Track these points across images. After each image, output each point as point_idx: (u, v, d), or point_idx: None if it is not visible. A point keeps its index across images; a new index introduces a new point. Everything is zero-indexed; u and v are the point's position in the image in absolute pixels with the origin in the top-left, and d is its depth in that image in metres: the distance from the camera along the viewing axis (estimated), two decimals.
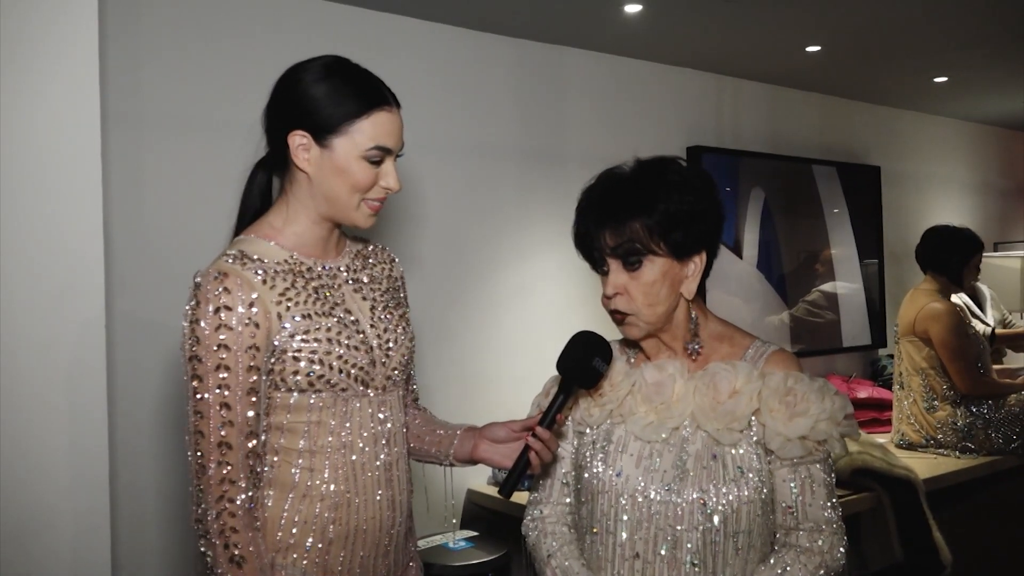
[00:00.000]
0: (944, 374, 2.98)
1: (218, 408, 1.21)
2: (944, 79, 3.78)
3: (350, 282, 1.38)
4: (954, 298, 3.15)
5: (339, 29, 2.52)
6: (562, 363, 1.31)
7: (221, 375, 1.21)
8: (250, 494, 1.23)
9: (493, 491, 2.68)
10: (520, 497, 2.48)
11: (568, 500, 1.40)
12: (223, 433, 1.21)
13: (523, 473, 1.28)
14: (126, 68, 2.18)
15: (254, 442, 1.24)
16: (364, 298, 1.38)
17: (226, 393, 1.21)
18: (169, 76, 2.25)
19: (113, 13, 2.13)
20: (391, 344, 1.36)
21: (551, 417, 1.29)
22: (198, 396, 1.22)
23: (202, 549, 1.23)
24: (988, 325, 3.55)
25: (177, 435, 2.23)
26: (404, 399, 1.44)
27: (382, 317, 1.37)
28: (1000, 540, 2.95)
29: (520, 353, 2.88)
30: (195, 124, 2.29)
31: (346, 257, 1.40)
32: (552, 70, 3.02)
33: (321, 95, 1.28)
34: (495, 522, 2.66)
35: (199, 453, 1.22)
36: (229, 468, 1.21)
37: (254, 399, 1.23)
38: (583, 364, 1.30)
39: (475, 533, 2.60)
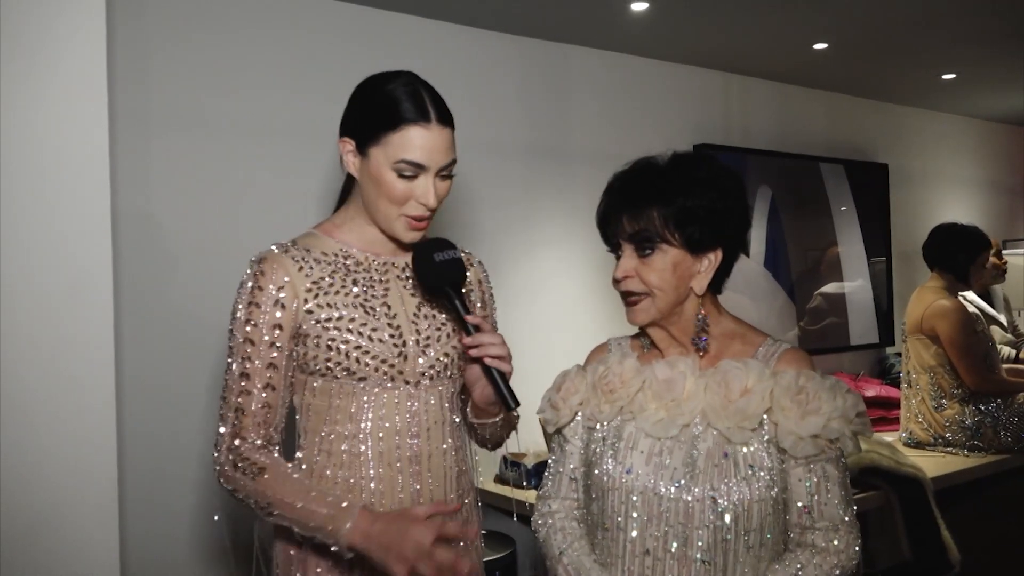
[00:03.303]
0: (952, 372, 2.97)
1: (239, 377, 1.33)
2: (952, 76, 3.77)
3: (402, 278, 1.43)
4: (969, 303, 3.14)
5: (346, 27, 2.53)
6: (428, 281, 1.38)
7: (246, 348, 1.33)
8: (258, 447, 1.33)
9: (500, 489, 2.68)
10: (528, 495, 2.49)
11: (576, 496, 1.41)
12: (240, 400, 1.33)
13: (503, 382, 1.34)
14: (134, 66, 2.19)
15: (267, 416, 1.34)
16: (413, 295, 1.42)
17: (247, 365, 1.33)
18: (177, 74, 2.26)
19: (120, 10, 2.13)
20: (431, 340, 1.40)
21: (462, 325, 1.36)
22: (228, 365, 1.35)
23: (229, 487, 1.33)
24: (1004, 328, 3.54)
25: (186, 436, 2.24)
26: (457, 395, 1.47)
27: (428, 313, 1.42)
28: (1009, 538, 2.94)
29: (528, 350, 2.87)
30: (204, 122, 2.29)
31: (406, 256, 1.44)
32: (558, 68, 3.02)
33: (371, 105, 1.35)
34: (502, 520, 2.67)
35: (222, 415, 1.34)
36: (242, 429, 1.33)
37: (271, 375, 1.33)
38: (432, 267, 1.36)
39: (482, 531, 2.60)
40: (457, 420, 1.45)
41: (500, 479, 2.75)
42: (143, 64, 2.21)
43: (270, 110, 2.40)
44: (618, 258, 1.34)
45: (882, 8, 2.79)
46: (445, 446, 1.41)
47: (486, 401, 1.40)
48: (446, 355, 1.41)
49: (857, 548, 1.26)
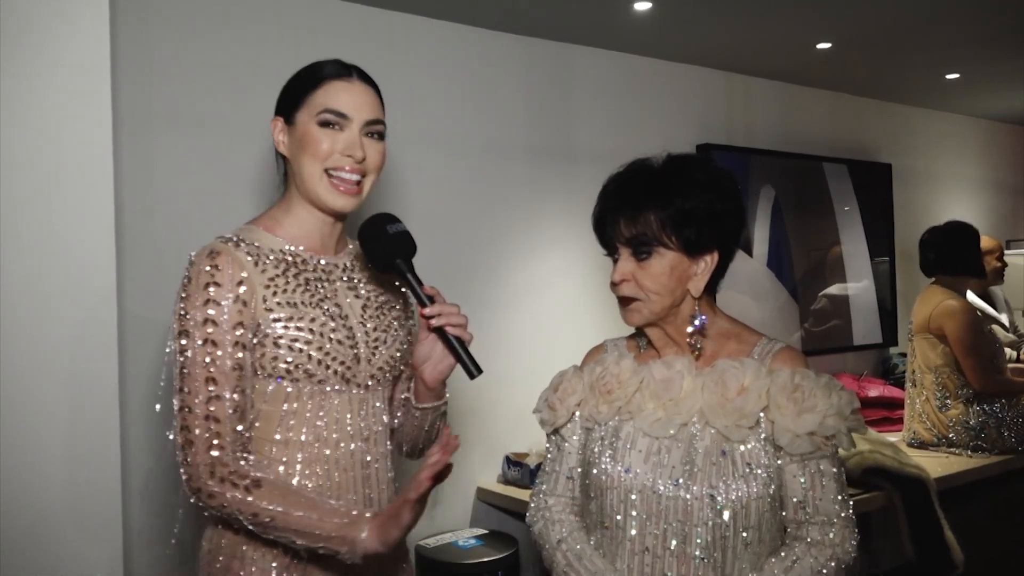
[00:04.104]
0: (958, 372, 2.97)
1: (204, 382, 1.23)
2: (956, 75, 3.76)
3: (345, 279, 1.39)
4: (971, 300, 3.14)
5: (349, 27, 2.54)
6: (380, 255, 1.33)
7: (208, 350, 1.23)
8: (239, 457, 1.24)
9: (503, 489, 2.69)
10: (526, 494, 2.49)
11: (572, 494, 1.42)
12: (212, 408, 1.23)
13: (464, 350, 1.32)
14: (137, 64, 2.19)
15: (240, 427, 1.25)
16: (357, 296, 1.39)
17: (212, 369, 1.23)
18: (181, 74, 2.26)
19: (124, 11, 2.14)
20: (379, 342, 1.37)
21: (420, 294, 1.33)
22: (185, 371, 1.24)
23: (212, 503, 1.22)
24: (1006, 328, 3.53)
25: None
26: (393, 399, 1.45)
27: (374, 315, 1.39)
28: (1012, 539, 2.94)
29: (529, 351, 2.88)
30: (207, 122, 2.30)
31: (346, 256, 1.42)
32: (561, 68, 3.03)
33: (295, 80, 1.38)
34: (504, 520, 2.67)
35: (185, 427, 1.23)
36: (218, 437, 1.23)
37: (239, 376, 1.25)
38: (386, 238, 1.32)
39: (484, 531, 2.61)
40: (387, 426, 1.42)
41: (503, 479, 2.75)
42: (147, 63, 2.21)
43: (269, 110, 2.39)
44: (615, 261, 1.35)
45: (885, 8, 2.79)
46: (384, 451, 1.38)
47: (438, 379, 1.39)
48: (392, 358, 1.39)
49: (854, 542, 1.28)
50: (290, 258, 1.34)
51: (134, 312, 2.15)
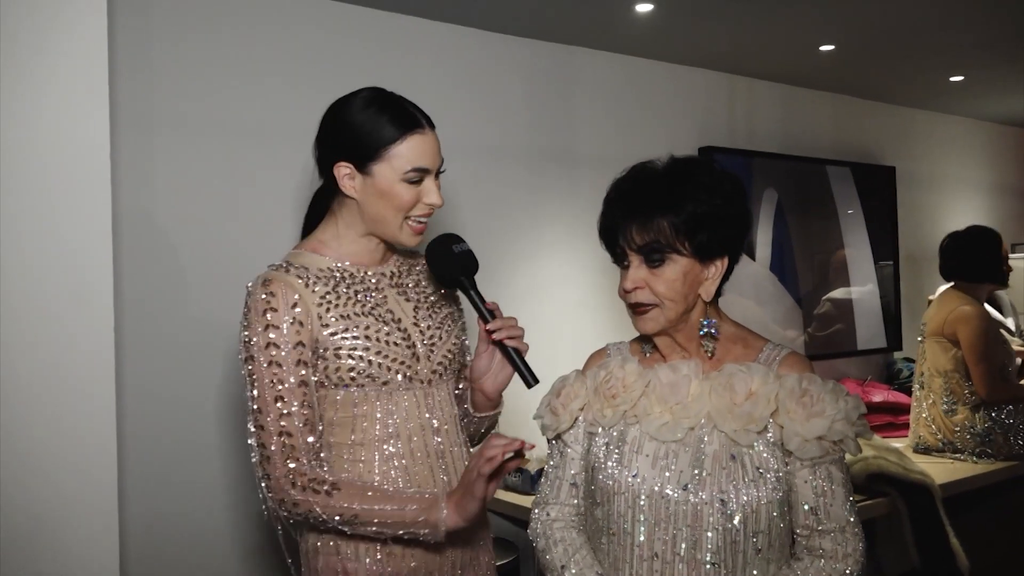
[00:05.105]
0: (967, 377, 2.97)
1: (273, 401, 1.34)
2: (960, 78, 3.77)
3: (394, 286, 1.50)
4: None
5: (350, 30, 2.54)
6: (448, 273, 1.47)
7: (273, 371, 1.34)
8: (314, 465, 1.36)
9: (503, 495, 2.69)
10: (529, 500, 2.49)
11: (576, 501, 1.41)
12: (283, 424, 1.34)
13: (522, 359, 1.45)
14: (136, 64, 2.19)
15: (311, 438, 1.35)
16: (408, 299, 1.50)
17: (280, 388, 1.34)
18: (180, 73, 2.26)
19: (122, 10, 2.13)
20: (435, 339, 1.48)
21: (483, 310, 1.45)
22: (255, 393, 1.36)
23: (298, 511, 1.33)
24: (1012, 333, 3.53)
25: (188, 438, 2.25)
26: (456, 392, 1.55)
27: (426, 315, 1.50)
28: (1018, 546, 2.94)
29: (532, 354, 2.87)
30: (207, 126, 2.30)
31: (391, 264, 1.52)
32: (563, 70, 3.03)
33: (359, 126, 1.41)
34: (504, 527, 2.67)
35: (262, 444, 1.35)
36: (293, 451, 1.34)
37: (305, 391, 1.36)
38: (452, 257, 1.45)
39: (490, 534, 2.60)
40: (457, 417, 1.53)
41: (503, 485, 2.75)
42: (145, 63, 2.21)
43: (274, 110, 2.40)
44: (623, 268, 1.35)
45: (889, 10, 2.79)
46: (457, 439, 1.49)
47: (498, 389, 1.51)
48: (449, 351, 1.51)
49: (862, 549, 1.29)
50: (339, 274, 1.44)
51: (132, 314, 2.15)
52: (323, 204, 1.51)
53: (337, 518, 1.33)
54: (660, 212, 1.29)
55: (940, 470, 2.81)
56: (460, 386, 1.58)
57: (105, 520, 1.59)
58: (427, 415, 1.44)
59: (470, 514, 1.32)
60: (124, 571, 1.66)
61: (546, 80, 2.99)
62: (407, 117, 1.42)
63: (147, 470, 2.19)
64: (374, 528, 1.34)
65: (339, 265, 1.45)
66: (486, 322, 1.45)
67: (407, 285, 1.52)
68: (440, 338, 1.49)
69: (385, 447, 1.40)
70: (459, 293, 1.57)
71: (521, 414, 2.56)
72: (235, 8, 2.35)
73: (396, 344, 1.42)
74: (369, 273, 1.48)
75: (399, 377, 1.41)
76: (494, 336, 1.44)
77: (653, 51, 3.18)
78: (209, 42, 2.31)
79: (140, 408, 2.17)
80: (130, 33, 2.18)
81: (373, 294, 1.46)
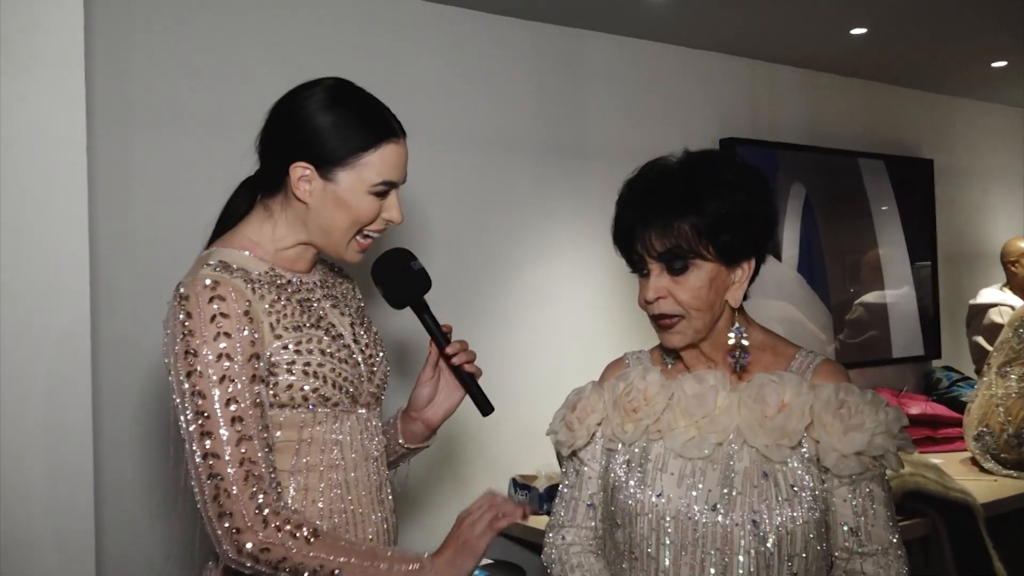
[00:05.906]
0: None
1: (229, 423, 1.19)
2: (1003, 63, 3.76)
3: (327, 297, 1.41)
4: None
5: (342, 13, 2.54)
6: (403, 294, 1.41)
7: (227, 387, 1.20)
8: (287, 507, 1.25)
9: None
10: (538, 521, 2.45)
11: (593, 524, 1.40)
12: (243, 450, 1.19)
13: (477, 387, 1.42)
14: (113, 58, 2.20)
15: (272, 458, 1.24)
16: (342, 313, 1.42)
17: (233, 407, 1.20)
18: (158, 67, 2.28)
19: (99, 4, 2.15)
20: (374, 358, 1.42)
21: (439, 335, 1.41)
22: (204, 414, 1.20)
23: (274, 558, 1.17)
24: None
25: (165, 441, 2.23)
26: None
27: (361, 333, 1.42)
28: None
29: (538, 363, 2.88)
30: (186, 119, 2.31)
31: (317, 272, 1.44)
32: (572, 56, 3.03)
33: (326, 127, 1.30)
34: (511, 549, 2.66)
35: (214, 475, 1.18)
36: (260, 482, 1.19)
37: (261, 413, 1.24)
38: (409, 276, 1.41)
39: (490, 561, 2.59)
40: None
41: None
42: (123, 57, 2.22)
43: (256, 104, 2.37)
44: (642, 276, 1.32)
45: None
46: (387, 472, 1.43)
47: (443, 419, 1.48)
48: (385, 374, 1.45)
49: (907, 573, 1.28)
50: (279, 280, 1.34)
51: (109, 316, 2.16)
52: (252, 198, 1.40)
53: (316, 570, 1.17)
54: (680, 214, 1.27)
55: (982, 487, 2.80)
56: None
57: (81, 541, 1.62)
58: (367, 442, 1.37)
59: (465, 572, 1.23)
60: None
61: (552, 66, 2.98)
62: (382, 124, 1.32)
63: (123, 474, 2.18)
64: None
65: (276, 270, 1.34)
66: (441, 347, 1.40)
67: (336, 297, 1.43)
68: (378, 357, 1.42)
69: (332, 475, 1.31)
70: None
71: (524, 426, 2.51)
72: None
73: (344, 361, 1.33)
74: (304, 280, 1.37)
75: (347, 398, 1.33)
76: (454, 361, 1.39)
77: (668, 35, 3.18)
78: (189, 34, 2.32)
79: (117, 407, 2.17)
80: (107, 26, 2.19)
81: (314, 305, 1.36)
